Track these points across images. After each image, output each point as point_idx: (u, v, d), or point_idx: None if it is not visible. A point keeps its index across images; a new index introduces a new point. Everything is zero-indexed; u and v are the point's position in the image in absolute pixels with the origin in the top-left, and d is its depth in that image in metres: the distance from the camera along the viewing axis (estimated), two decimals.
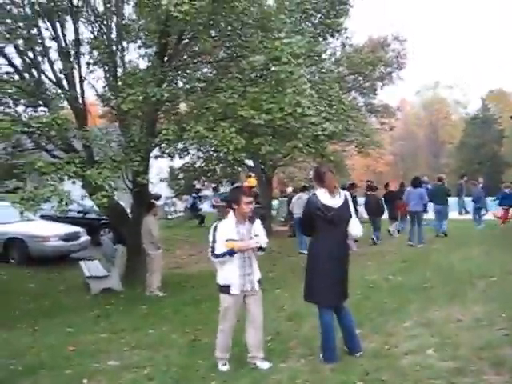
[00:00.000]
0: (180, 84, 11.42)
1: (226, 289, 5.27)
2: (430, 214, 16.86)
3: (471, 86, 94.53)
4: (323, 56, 16.06)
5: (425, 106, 66.58)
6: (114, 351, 6.57)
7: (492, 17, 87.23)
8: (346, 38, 19.56)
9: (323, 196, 5.12)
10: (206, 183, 21.91)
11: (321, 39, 15.79)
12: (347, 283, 5.43)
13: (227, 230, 5.26)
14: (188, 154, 13.54)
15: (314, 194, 5.23)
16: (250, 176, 25.89)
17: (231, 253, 5.15)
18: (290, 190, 22.01)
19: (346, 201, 5.23)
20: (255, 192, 23.13)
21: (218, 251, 5.19)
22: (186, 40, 10.54)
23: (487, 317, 6.24)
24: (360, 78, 21.21)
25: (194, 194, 23.29)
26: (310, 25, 14.42)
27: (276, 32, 9.23)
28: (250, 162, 19.01)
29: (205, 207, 25.59)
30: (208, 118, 9.04)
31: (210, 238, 5.27)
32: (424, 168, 55.46)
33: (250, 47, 9.27)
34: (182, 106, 12.17)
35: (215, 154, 11.35)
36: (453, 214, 19.05)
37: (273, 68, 8.69)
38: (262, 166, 19.16)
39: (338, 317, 5.40)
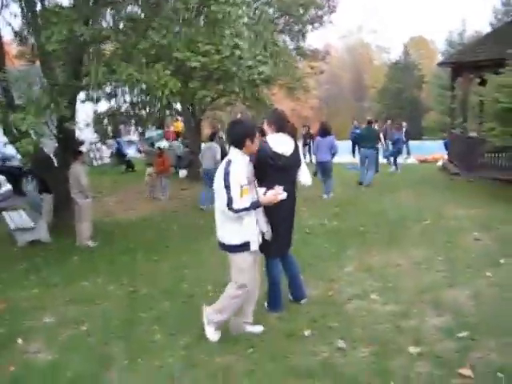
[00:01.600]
0: (107, 23, 10.68)
1: (245, 247, 4.44)
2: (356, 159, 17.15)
3: (394, 31, 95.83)
4: None
5: (349, 50, 67.16)
6: (48, 307, 6.29)
7: None
8: None
9: (274, 143, 4.94)
10: (132, 128, 21.04)
11: None
12: (292, 232, 5.37)
13: (241, 175, 4.31)
14: (115, 97, 12.92)
15: (265, 142, 5.04)
16: (177, 120, 25.30)
17: (256, 206, 4.37)
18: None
19: (296, 148, 5.09)
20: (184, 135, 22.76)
21: (236, 204, 4.23)
22: None
23: (425, 260, 6.41)
24: (291, 21, 20.81)
25: (118, 139, 22.51)
26: None
27: None
28: (177, 106, 18.42)
29: (131, 153, 24.92)
30: (140, 60, 8.52)
31: (221, 185, 4.27)
32: (347, 112, 56.43)
33: None
34: (110, 47, 11.44)
35: (146, 98, 10.80)
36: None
37: (209, 7, 8.22)
38: (191, 110, 18.62)
39: (283, 265, 5.34)
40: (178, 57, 8.13)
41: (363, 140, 14.62)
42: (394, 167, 17.31)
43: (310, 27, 21.49)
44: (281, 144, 4.94)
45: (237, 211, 4.25)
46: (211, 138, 13.93)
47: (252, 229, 4.46)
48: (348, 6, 53.72)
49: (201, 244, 9.29)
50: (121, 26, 9.60)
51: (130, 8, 11.00)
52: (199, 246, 9.10)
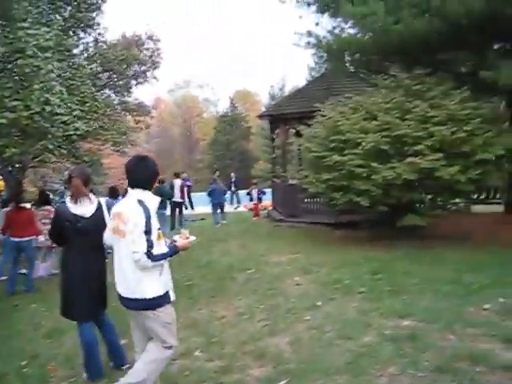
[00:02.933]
0: None
1: (167, 298, 3.96)
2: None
3: (220, 85, 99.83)
4: (74, 51, 15.32)
5: (178, 104, 68.51)
6: None
7: (241, 22, 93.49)
8: (99, 34, 19.04)
9: (72, 204, 4.68)
10: None
11: (71, 33, 15.00)
12: (106, 293, 5.07)
13: (156, 218, 3.88)
14: None
15: (63, 202, 4.76)
16: None
17: (174, 252, 3.94)
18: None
19: (99, 209, 4.79)
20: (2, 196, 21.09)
21: (156, 251, 3.76)
22: None
23: (248, 310, 6.47)
24: (114, 76, 20.77)
25: None
26: (59, 17, 13.55)
27: (19, 21, 8.33)
28: None
29: None
30: None
31: (140, 231, 3.73)
32: (180, 164, 57.07)
33: None
34: None
35: None
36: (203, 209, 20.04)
37: (17, 61, 7.82)
38: (10, 169, 17.41)
39: (100, 329, 5.04)
40: None
41: None
42: (219, 223, 16.88)
43: (134, 82, 21.64)
44: (80, 204, 4.69)
45: (155, 259, 3.74)
46: (4, 204, 11.83)
47: (169, 277, 4.03)
48: (175, 61, 55.38)
49: (18, 314, 8.53)
50: None
51: None
52: (16, 316, 8.35)
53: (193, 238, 4.14)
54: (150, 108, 24.39)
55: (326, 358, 4.63)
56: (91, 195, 4.86)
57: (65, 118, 8.61)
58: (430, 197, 9.61)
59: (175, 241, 4.08)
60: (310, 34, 11.83)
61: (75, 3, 14.62)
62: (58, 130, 8.74)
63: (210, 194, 17.50)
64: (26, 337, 6.96)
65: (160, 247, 3.82)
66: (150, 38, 22.94)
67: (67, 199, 4.75)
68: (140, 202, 3.79)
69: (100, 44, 19.70)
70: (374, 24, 10.29)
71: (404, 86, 9.95)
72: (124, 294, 3.96)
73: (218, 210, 17.34)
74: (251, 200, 21.82)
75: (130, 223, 3.78)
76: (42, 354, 6.01)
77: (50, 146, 9.08)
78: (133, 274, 3.85)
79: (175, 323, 4.10)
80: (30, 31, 8.03)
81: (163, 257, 3.83)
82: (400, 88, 10.00)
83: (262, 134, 48.61)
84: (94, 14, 16.38)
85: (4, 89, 7.94)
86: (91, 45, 19.46)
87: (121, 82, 21.37)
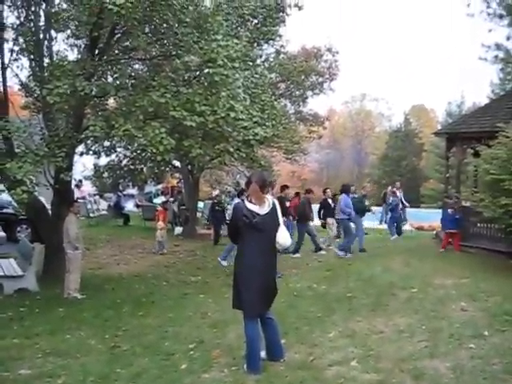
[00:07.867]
0: (110, 79, 11.02)
1: None
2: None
3: (395, 100, 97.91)
4: (257, 61, 16.10)
5: (351, 116, 68.41)
6: (26, 358, 6.23)
7: (418, 36, 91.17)
8: (281, 46, 19.77)
9: (249, 203, 5.08)
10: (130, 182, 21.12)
11: (255, 44, 15.81)
12: (274, 292, 5.35)
13: None
14: (115, 152, 13.15)
15: (242, 201, 5.17)
16: (172, 175, 25.59)
17: None
18: (215, 193, 21.92)
19: (273, 208, 5.15)
20: (179, 189, 22.96)
21: None
22: (119, 34, 10.22)
23: (408, 328, 6.34)
24: (292, 86, 21.43)
25: (118, 193, 22.64)
26: (245, 29, 14.42)
27: (212, 33, 9.08)
28: (176, 163, 18.74)
29: (129, 206, 25.00)
30: (138, 117, 8.76)
31: None
32: (347, 177, 56.88)
33: (185, 47, 9.08)
34: (111, 103, 11.78)
35: (143, 154, 11.01)
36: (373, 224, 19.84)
37: (208, 70, 8.51)
38: (189, 168, 18.90)
39: (262, 326, 5.31)
40: (175, 115, 8.35)
41: None
42: (395, 236, 17.30)
43: (310, 93, 22.11)
44: (256, 204, 5.06)
45: None
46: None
47: None
48: (352, 73, 55.77)
49: (188, 302, 9.27)
50: (123, 82, 9.87)
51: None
52: (186, 303, 9.08)
53: None
54: (323, 119, 24.74)
55: None
56: (267, 196, 5.22)
57: (245, 124, 9.15)
58: None
59: None
60: (498, 47, 11.17)
61: (261, 17, 15.37)
62: (239, 134, 9.32)
63: (392, 210, 17.81)
64: (193, 323, 7.54)
65: None
66: (329, 50, 23.33)
67: (245, 199, 5.15)
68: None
69: (281, 55, 20.46)
70: None
71: None
72: None
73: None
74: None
75: None
76: (207, 341, 6.47)
77: (231, 149, 9.71)
78: None
79: None
80: (221, 43, 8.70)
81: None
82: None
83: (435, 152, 46.65)
84: (277, 28, 17.06)
85: (195, 95, 8.69)
86: (272, 55, 20.30)
87: (297, 92, 21.98)
